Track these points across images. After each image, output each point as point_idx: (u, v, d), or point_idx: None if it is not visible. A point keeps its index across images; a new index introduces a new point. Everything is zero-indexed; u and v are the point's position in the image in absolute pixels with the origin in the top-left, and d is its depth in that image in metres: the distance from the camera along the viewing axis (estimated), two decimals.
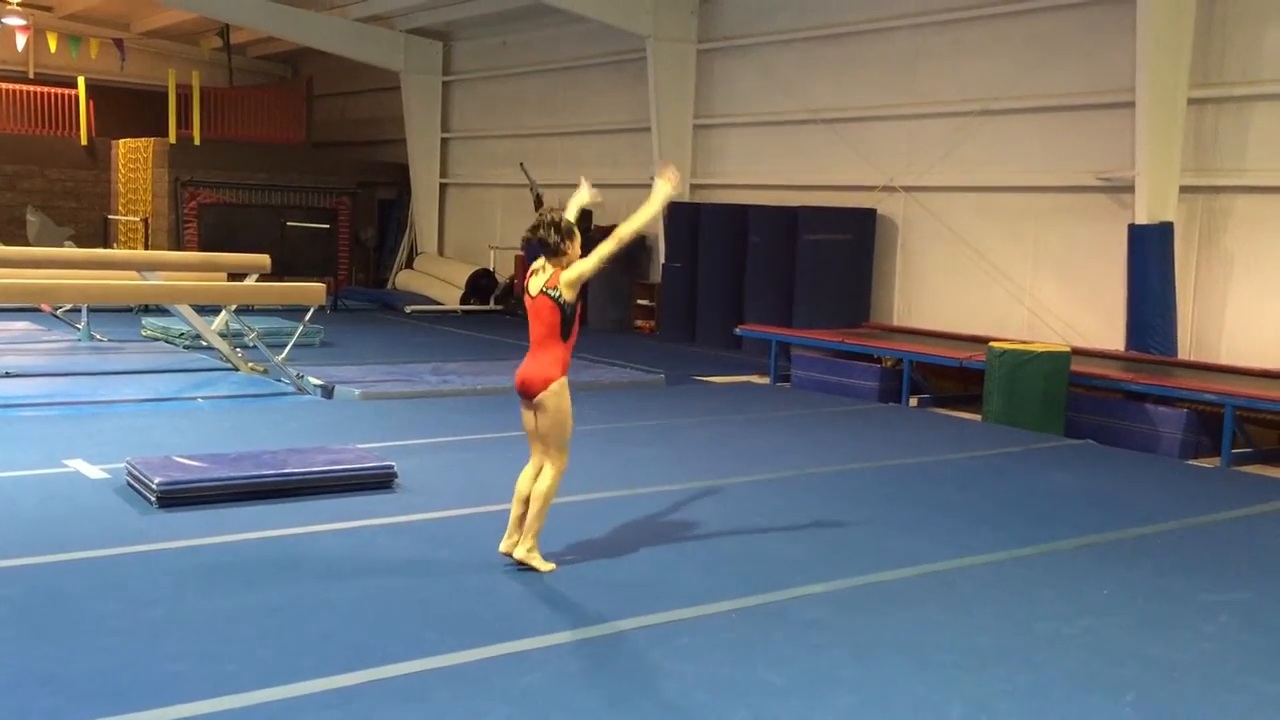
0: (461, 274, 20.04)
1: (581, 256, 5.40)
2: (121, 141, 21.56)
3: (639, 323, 17.47)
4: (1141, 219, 11.16)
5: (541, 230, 5.33)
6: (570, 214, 5.66)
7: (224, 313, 12.07)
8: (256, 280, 11.91)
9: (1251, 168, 10.98)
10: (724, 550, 5.92)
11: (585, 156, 18.18)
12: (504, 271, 19.91)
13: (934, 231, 13.84)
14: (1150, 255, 11.04)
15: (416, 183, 22.32)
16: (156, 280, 11.16)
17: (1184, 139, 11.20)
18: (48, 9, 23.10)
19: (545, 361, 5.37)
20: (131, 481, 6.59)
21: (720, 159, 16.74)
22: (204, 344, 12.03)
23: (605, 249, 5.30)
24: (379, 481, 6.87)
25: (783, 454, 8.48)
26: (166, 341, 13.15)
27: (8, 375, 10.33)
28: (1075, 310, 12.40)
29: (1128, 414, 9.80)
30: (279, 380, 10.60)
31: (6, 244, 16.05)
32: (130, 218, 20.79)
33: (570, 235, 5.35)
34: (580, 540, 5.90)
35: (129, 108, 24.68)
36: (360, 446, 7.50)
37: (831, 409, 10.76)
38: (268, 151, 21.87)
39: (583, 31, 18.32)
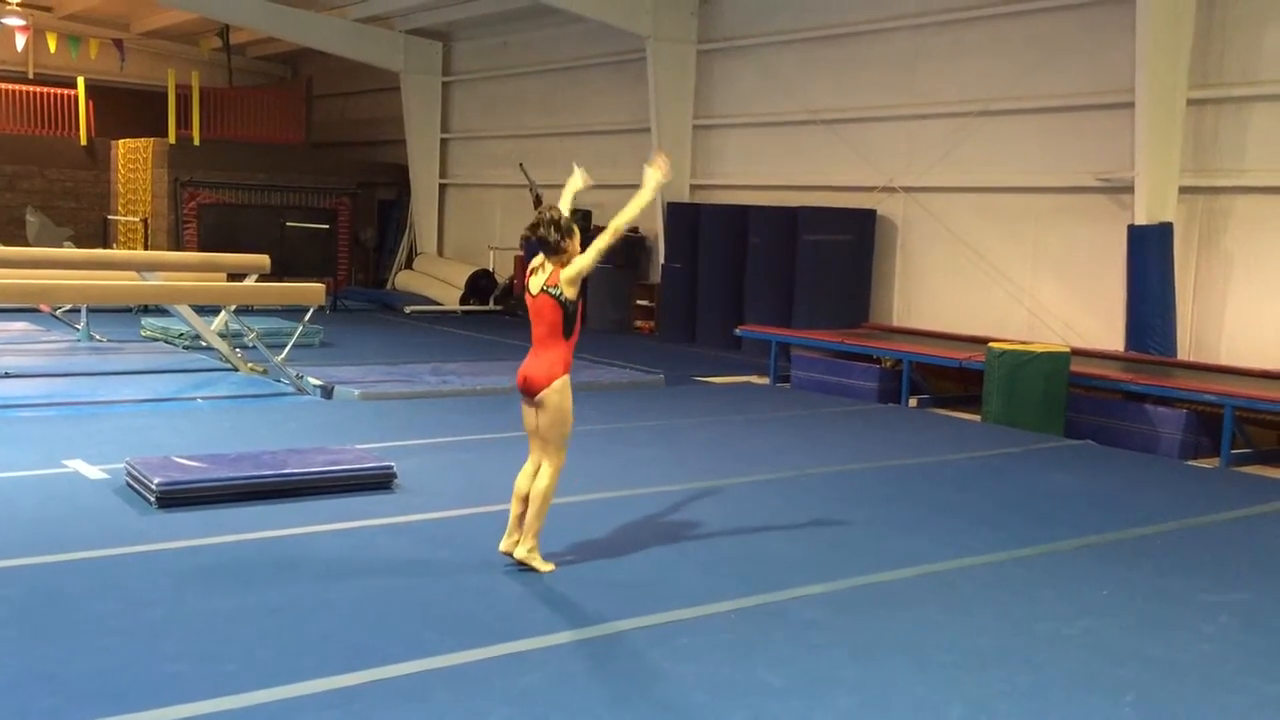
0: (461, 274, 20.04)
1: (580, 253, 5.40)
2: (121, 142, 21.55)
3: (639, 323, 17.47)
4: (1141, 219, 11.16)
5: (541, 229, 5.33)
6: (565, 201, 5.68)
7: (223, 313, 12.07)
8: (256, 281, 11.90)
9: (1251, 168, 10.98)
10: (723, 550, 5.92)
11: (585, 157, 17.98)
12: (503, 272, 19.91)
13: (933, 232, 13.84)
14: (1150, 256, 11.04)
15: (416, 183, 22.33)
16: (156, 281, 11.16)
17: (1183, 139, 11.20)
18: (47, 9, 23.10)
19: (548, 359, 5.37)
20: (131, 482, 6.59)
21: (720, 159, 16.74)
22: (203, 344, 12.03)
23: (602, 242, 5.31)
24: (378, 482, 6.87)
25: (782, 454, 8.48)
26: (166, 342, 13.15)
27: (7, 376, 10.33)
28: (1075, 311, 12.40)
29: (1127, 414, 9.81)
30: (278, 381, 10.60)
31: (6, 244, 16.04)
32: (130, 218, 20.78)
33: (570, 233, 5.35)
34: (580, 541, 5.90)
35: (128, 108, 24.68)
36: (359, 447, 7.50)
37: (831, 409, 10.76)
38: (267, 152, 21.87)
39: (582, 32, 18.32)
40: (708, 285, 15.55)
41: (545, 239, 5.34)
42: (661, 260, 16.58)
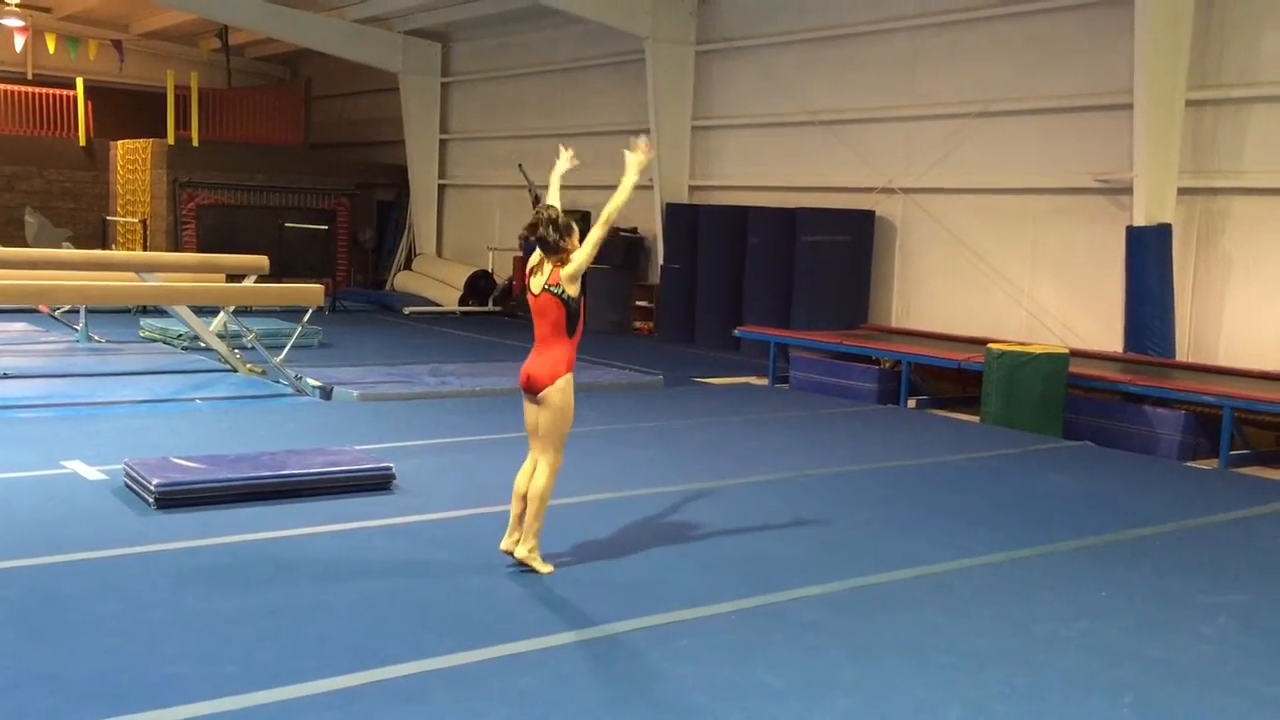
0: (460, 275, 20.04)
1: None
2: (120, 142, 21.55)
3: (638, 324, 17.47)
4: (1139, 221, 11.16)
5: (540, 228, 5.34)
6: (553, 185, 5.72)
7: (222, 314, 12.07)
8: (255, 281, 11.90)
9: (1249, 169, 10.99)
10: (722, 552, 5.92)
11: (584, 158, 17.93)
12: (502, 273, 19.91)
13: (932, 233, 13.85)
14: (1148, 257, 11.05)
15: (415, 184, 22.33)
16: (154, 281, 11.16)
17: (1182, 141, 11.21)
18: (46, 10, 23.09)
19: (551, 358, 5.38)
20: (129, 483, 6.59)
21: (719, 160, 16.75)
22: (202, 345, 12.02)
23: (596, 234, 5.32)
24: (377, 483, 6.87)
25: (781, 455, 8.48)
26: (165, 343, 13.14)
27: (6, 376, 10.33)
28: (1073, 312, 12.41)
29: (1126, 416, 9.81)
30: (277, 381, 10.60)
31: (4, 245, 16.03)
32: (128, 219, 20.78)
33: (568, 231, 5.36)
34: (579, 542, 5.90)
35: (127, 109, 24.67)
36: (358, 448, 7.50)
37: (830, 410, 10.76)
38: (266, 153, 21.87)
39: (581, 33, 18.33)
40: (706, 286, 15.55)
41: (544, 238, 5.35)
42: (660, 261, 16.58)
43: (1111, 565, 5.96)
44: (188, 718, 3.78)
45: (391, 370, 11.63)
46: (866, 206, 14.33)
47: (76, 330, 13.23)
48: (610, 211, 5.38)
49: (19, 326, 13.96)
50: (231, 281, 12.96)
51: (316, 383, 10.33)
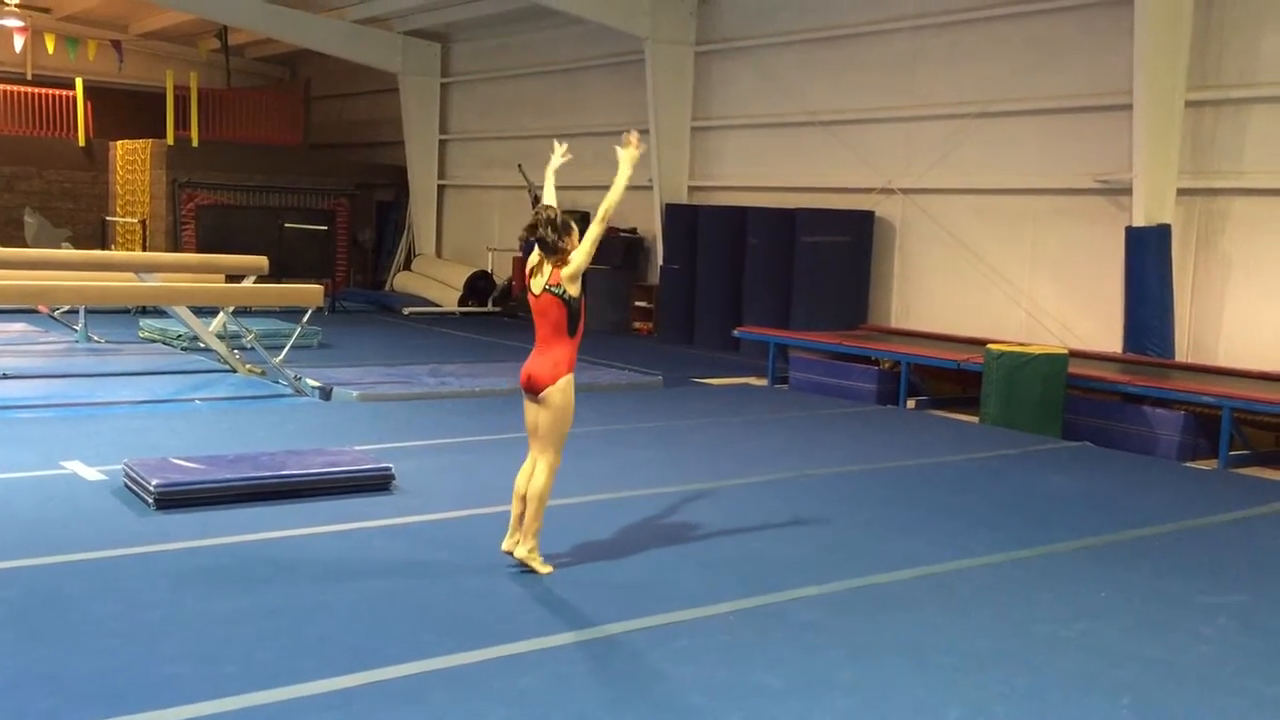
0: (459, 276, 20.04)
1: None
2: (119, 143, 21.54)
3: (637, 324, 17.47)
4: (1139, 221, 11.17)
5: (540, 229, 5.34)
6: (548, 182, 5.75)
7: (222, 314, 12.07)
8: (254, 282, 11.90)
9: (1249, 170, 10.99)
10: (722, 552, 5.92)
11: (583, 158, 17.95)
12: (502, 273, 19.91)
13: (932, 234, 13.85)
14: (1148, 257, 11.05)
15: (414, 184, 22.33)
16: (154, 282, 11.16)
17: (1181, 141, 11.21)
18: (46, 10, 23.09)
19: (552, 358, 5.38)
20: (129, 483, 6.59)
21: (718, 161, 16.75)
22: (202, 345, 12.02)
23: (593, 232, 5.33)
24: (377, 483, 6.87)
25: (780, 456, 8.48)
26: (164, 343, 13.14)
27: (5, 377, 10.32)
28: (1073, 312, 12.41)
29: (1125, 416, 9.81)
30: (277, 382, 10.60)
31: (4, 245, 16.04)
32: (128, 219, 20.77)
33: (567, 231, 5.37)
34: (579, 542, 5.90)
35: (127, 109, 24.66)
36: (358, 448, 7.50)
37: (829, 411, 10.76)
38: (266, 153, 21.86)
39: (581, 33, 18.33)
40: (706, 286, 15.55)
41: (543, 239, 5.35)
42: (660, 261, 16.58)
43: (1111, 566, 5.96)
44: (187, 718, 3.78)
45: (391, 371, 11.63)
46: (866, 207, 14.33)
47: (76, 330, 13.23)
48: (606, 208, 5.38)
49: (18, 327, 13.96)
50: (231, 282, 12.96)
51: (316, 383, 10.33)
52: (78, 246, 17.45)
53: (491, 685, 4.11)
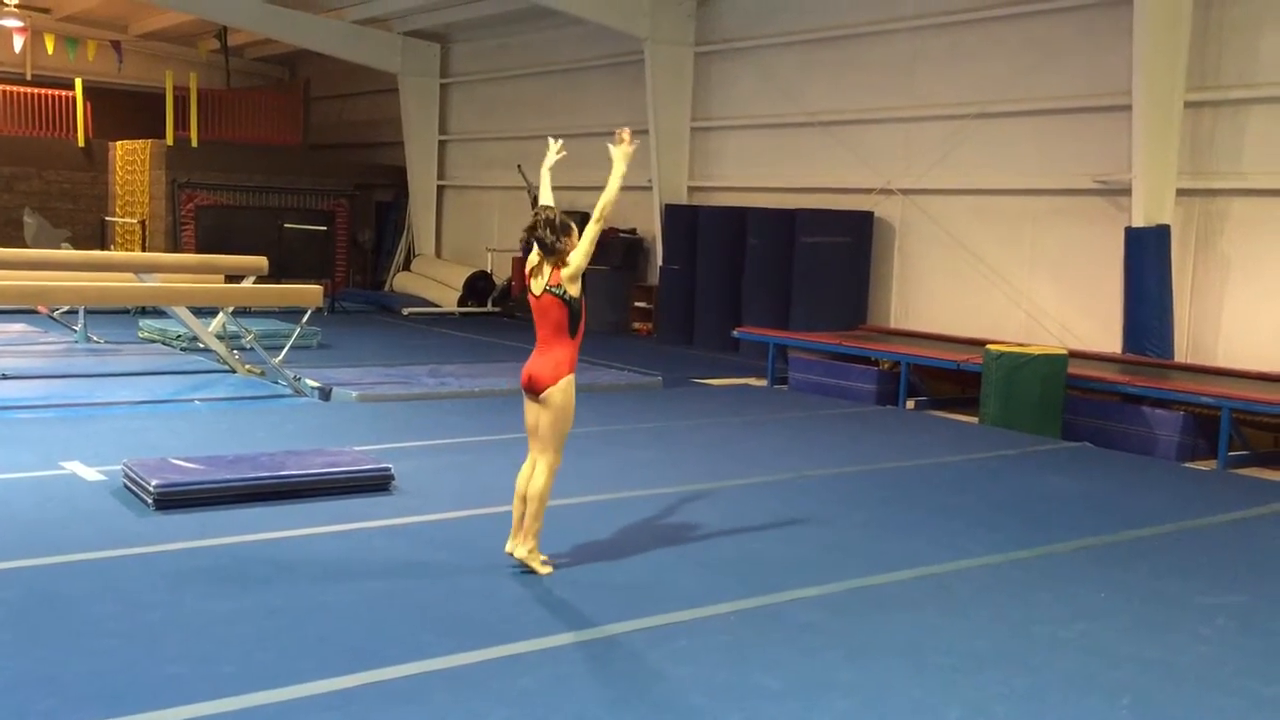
0: (459, 276, 20.04)
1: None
2: (119, 143, 21.54)
3: (636, 325, 17.47)
4: (1138, 222, 11.17)
5: (539, 230, 5.35)
6: (544, 180, 5.75)
7: (221, 315, 12.07)
8: (254, 282, 11.90)
9: (1248, 171, 11.00)
10: (721, 553, 5.92)
11: (583, 159, 17.96)
12: (501, 274, 19.91)
13: (931, 234, 13.85)
14: (1147, 258, 11.05)
15: (414, 185, 22.32)
16: (153, 282, 11.16)
17: (1181, 142, 11.21)
18: (45, 10, 23.08)
19: (553, 358, 5.38)
20: (128, 484, 6.59)
21: (718, 161, 16.75)
22: (201, 346, 12.02)
23: (591, 231, 5.34)
24: (376, 484, 6.87)
25: (780, 457, 8.49)
26: (163, 343, 13.14)
27: (4, 377, 10.32)
28: (1072, 313, 12.41)
29: (1124, 417, 9.82)
30: (276, 382, 10.60)
31: (3, 246, 16.03)
32: (127, 219, 20.77)
33: (566, 231, 5.37)
34: (578, 543, 5.90)
35: (126, 109, 24.65)
36: (357, 449, 7.50)
37: (829, 411, 10.77)
38: (265, 153, 21.86)
39: (580, 34, 18.32)
40: (706, 287, 15.55)
41: (542, 240, 5.35)
42: (659, 262, 16.57)
43: (1110, 566, 5.96)
44: (187, 718, 3.78)
45: (390, 371, 11.63)
46: (865, 208, 14.33)
47: (75, 331, 13.23)
48: (603, 206, 5.39)
49: (18, 327, 13.96)
50: (230, 282, 12.96)
51: (315, 383, 10.33)
52: (77, 247, 17.44)
53: (491, 685, 4.12)
